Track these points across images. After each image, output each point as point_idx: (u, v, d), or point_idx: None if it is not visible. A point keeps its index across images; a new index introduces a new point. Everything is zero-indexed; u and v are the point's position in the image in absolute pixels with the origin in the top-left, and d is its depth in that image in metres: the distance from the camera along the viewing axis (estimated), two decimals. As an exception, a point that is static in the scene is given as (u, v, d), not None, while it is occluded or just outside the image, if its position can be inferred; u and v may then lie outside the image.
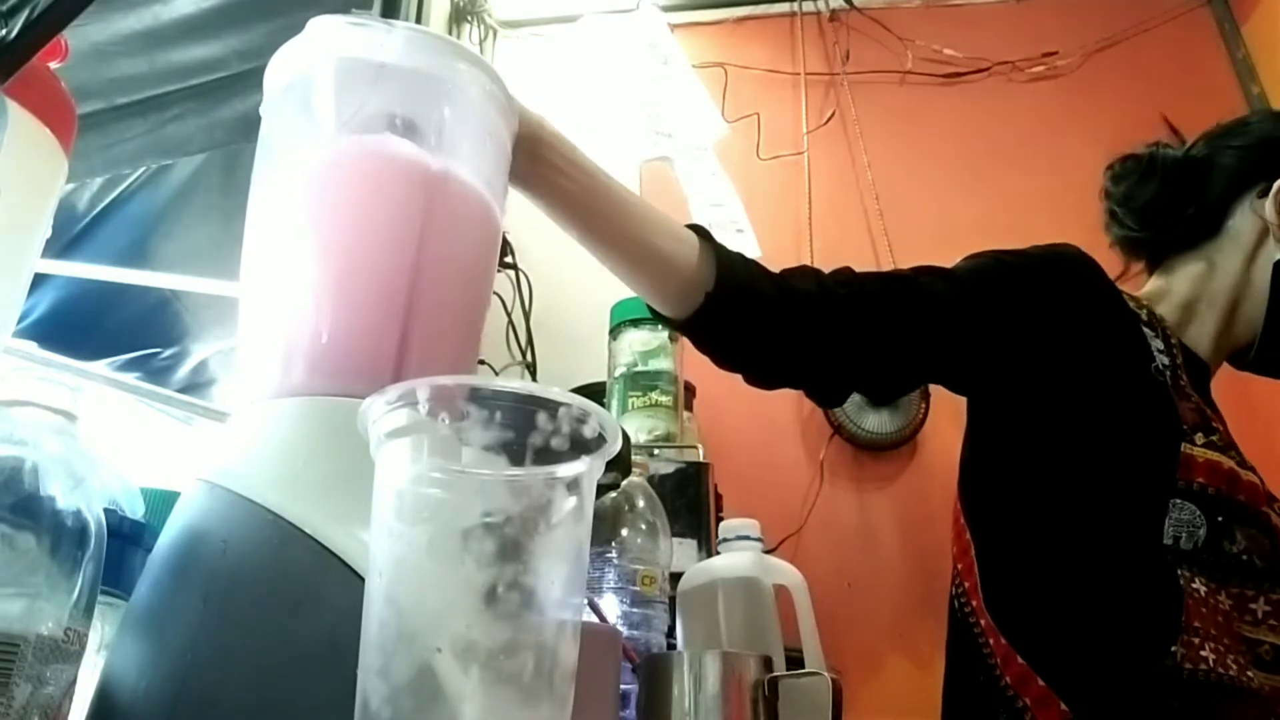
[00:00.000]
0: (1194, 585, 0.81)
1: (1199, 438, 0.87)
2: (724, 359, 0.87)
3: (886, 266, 2.12)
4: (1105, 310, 0.94)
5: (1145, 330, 0.94)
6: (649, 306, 0.86)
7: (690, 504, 1.28)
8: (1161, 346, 0.93)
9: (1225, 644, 0.79)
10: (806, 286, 0.84)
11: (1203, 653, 0.78)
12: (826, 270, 0.89)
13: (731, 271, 0.82)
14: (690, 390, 1.63)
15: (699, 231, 0.84)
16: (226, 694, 0.48)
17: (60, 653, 0.48)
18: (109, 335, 1.74)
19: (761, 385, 0.89)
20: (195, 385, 1.83)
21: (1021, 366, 0.92)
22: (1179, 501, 0.84)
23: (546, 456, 0.45)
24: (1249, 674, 0.78)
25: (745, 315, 0.82)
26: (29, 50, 0.59)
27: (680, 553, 1.16)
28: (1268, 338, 0.96)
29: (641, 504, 1.02)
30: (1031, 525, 0.91)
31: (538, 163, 0.77)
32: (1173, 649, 0.78)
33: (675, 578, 1.05)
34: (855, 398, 2.05)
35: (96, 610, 0.52)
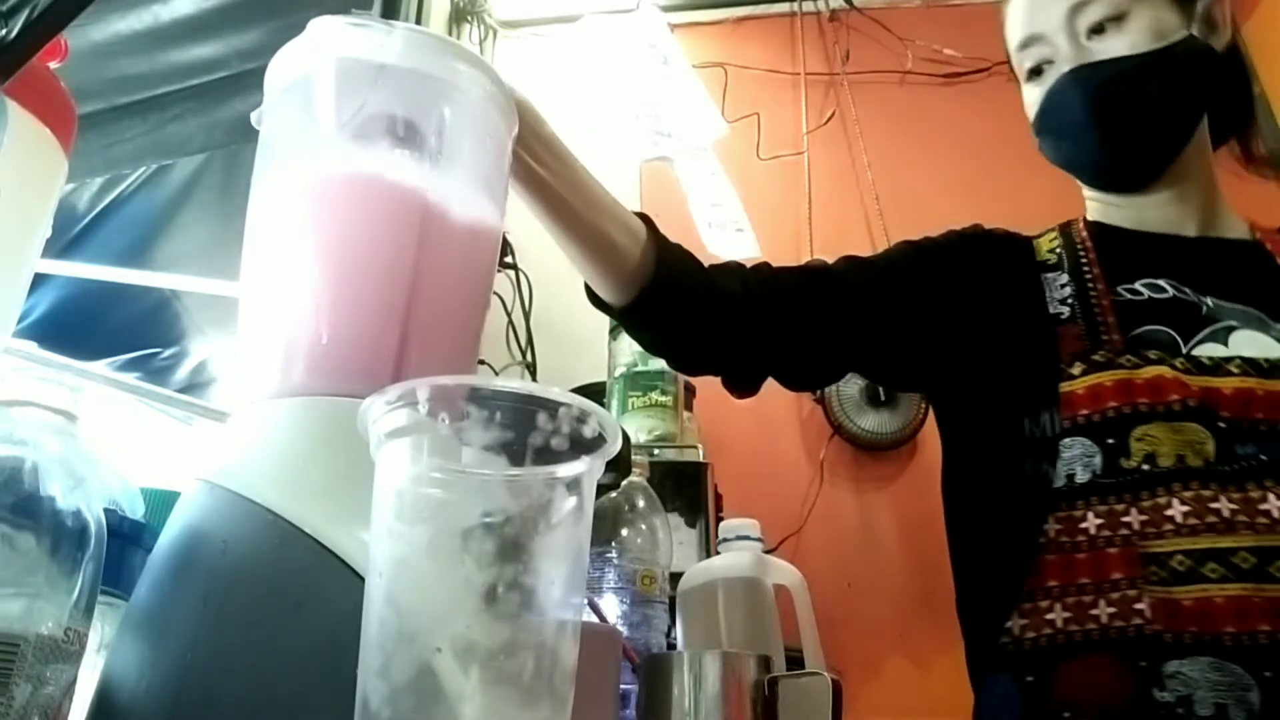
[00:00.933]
0: (1081, 526, 0.81)
1: (1077, 367, 0.86)
2: (651, 347, 0.98)
3: (886, 266, 2.12)
4: (1002, 275, 0.96)
5: (1046, 275, 0.95)
6: (587, 289, 0.91)
7: (690, 504, 1.28)
8: (1065, 280, 0.93)
9: (1101, 588, 0.80)
10: (731, 287, 0.90)
11: (1049, 616, 0.81)
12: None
13: (668, 268, 0.87)
14: (690, 390, 1.63)
15: (647, 223, 0.89)
16: (226, 694, 0.48)
17: (60, 653, 0.48)
18: (109, 335, 1.74)
19: (683, 371, 1.01)
20: (195, 385, 1.83)
21: (932, 350, 0.97)
22: (1068, 441, 0.84)
23: (546, 456, 0.45)
24: (1137, 608, 0.78)
25: (673, 311, 0.89)
26: (29, 50, 0.59)
27: (680, 553, 1.16)
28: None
29: (641, 504, 1.02)
30: (956, 511, 1.00)
31: (517, 144, 0.79)
32: (1007, 624, 0.83)
33: (675, 578, 1.06)
34: (855, 398, 2.05)
35: (96, 610, 0.52)
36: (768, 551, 1.09)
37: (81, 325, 1.68)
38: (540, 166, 0.80)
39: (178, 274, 1.73)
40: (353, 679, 0.43)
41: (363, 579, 0.45)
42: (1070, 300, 0.92)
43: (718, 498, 1.39)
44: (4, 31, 0.56)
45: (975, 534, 0.96)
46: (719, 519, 1.28)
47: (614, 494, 1.01)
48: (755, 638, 0.98)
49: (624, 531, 0.99)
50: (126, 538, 0.67)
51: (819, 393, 2.07)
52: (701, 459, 1.36)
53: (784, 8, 2.44)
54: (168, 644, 0.50)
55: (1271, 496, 0.78)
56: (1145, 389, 0.83)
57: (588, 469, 0.46)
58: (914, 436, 2.04)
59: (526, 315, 1.98)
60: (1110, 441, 0.83)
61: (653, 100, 2.19)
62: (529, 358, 1.96)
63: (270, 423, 0.57)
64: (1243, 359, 0.84)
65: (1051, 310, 0.92)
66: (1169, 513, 0.79)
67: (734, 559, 1.04)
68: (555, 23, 2.44)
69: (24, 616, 0.46)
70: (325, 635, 0.48)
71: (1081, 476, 0.83)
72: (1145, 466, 0.81)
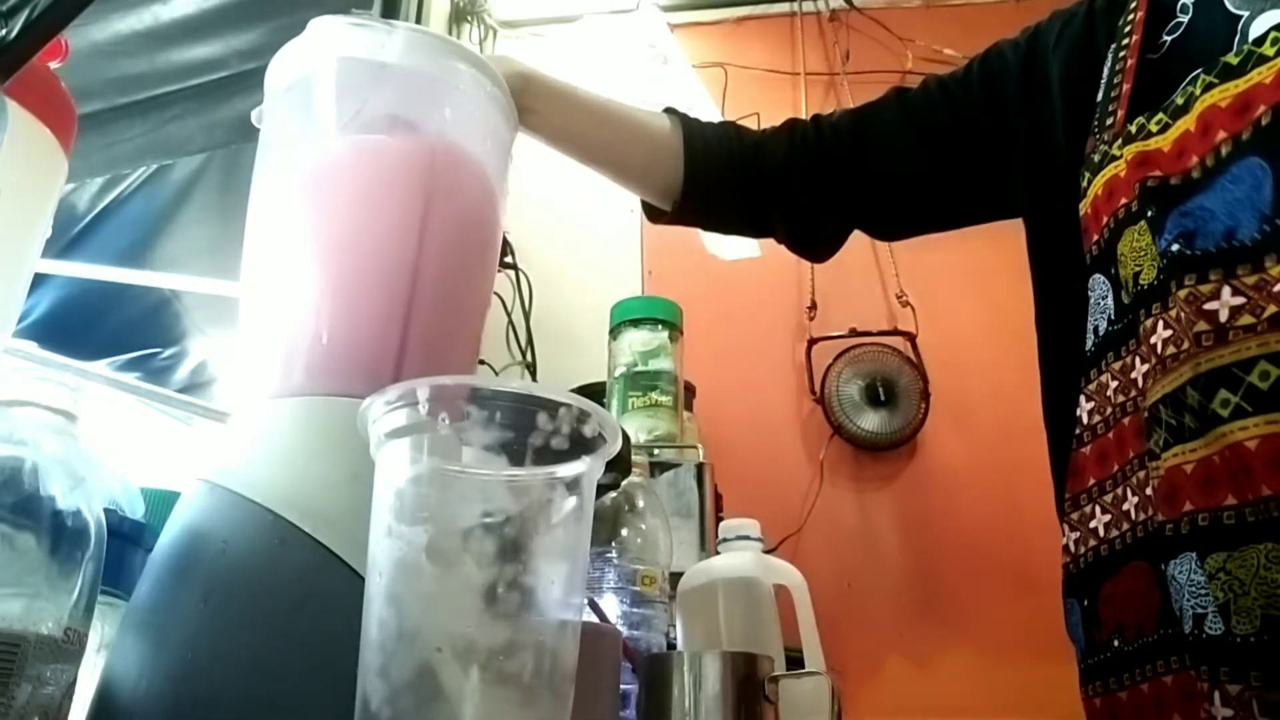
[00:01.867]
0: (1107, 396, 0.68)
1: (1085, 177, 0.71)
2: (721, 230, 1.00)
3: (886, 265, 2.13)
4: (1070, 71, 0.81)
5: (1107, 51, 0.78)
6: (643, 203, 0.93)
7: (690, 504, 1.28)
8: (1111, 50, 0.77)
9: (1126, 474, 0.67)
10: (773, 162, 0.90)
11: (1093, 524, 0.69)
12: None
13: (699, 167, 0.88)
14: (690, 390, 1.63)
15: (675, 116, 0.91)
16: (226, 694, 0.48)
17: (60, 653, 0.48)
18: (109, 335, 1.74)
19: (762, 237, 0.97)
20: (195, 385, 1.83)
21: (1009, 174, 0.85)
22: (1091, 281, 0.72)
23: (546, 456, 0.45)
24: (1148, 493, 0.64)
25: (718, 202, 0.90)
26: (29, 50, 0.59)
27: (680, 553, 1.16)
28: None
29: (641, 504, 1.01)
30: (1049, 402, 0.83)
31: (531, 107, 0.82)
32: (1064, 541, 0.72)
33: (675, 578, 1.05)
34: (855, 398, 2.05)
35: (96, 610, 0.52)
36: (768, 551, 1.09)
37: (81, 325, 1.68)
38: (542, 122, 0.82)
39: (178, 274, 1.73)
40: (353, 679, 0.43)
41: (363, 579, 0.45)
42: (1105, 78, 0.76)
43: (718, 498, 1.39)
44: (4, 31, 0.56)
45: (1054, 429, 0.80)
46: (719, 519, 1.28)
47: (614, 494, 1.01)
48: (755, 638, 0.97)
49: (624, 531, 0.99)
50: (126, 538, 0.67)
51: (819, 393, 2.07)
52: (701, 459, 1.35)
53: (784, 8, 2.44)
54: (168, 644, 0.50)
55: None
56: (1124, 184, 0.68)
57: (588, 469, 0.46)
58: (914, 436, 2.04)
59: (526, 315, 1.97)
60: (1112, 271, 0.69)
61: (653, 100, 2.19)
62: (529, 358, 1.96)
63: (270, 423, 0.57)
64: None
65: (1097, 98, 0.77)
66: (1153, 340, 0.64)
67: (734, 559, 1.04)
68: (555, 23, 2.44)
69: (24, 616, 0.46)
70: (325, 635, 0.48)
71: (1102, 327, 0.69)
72: (1137, 289, 0.66)
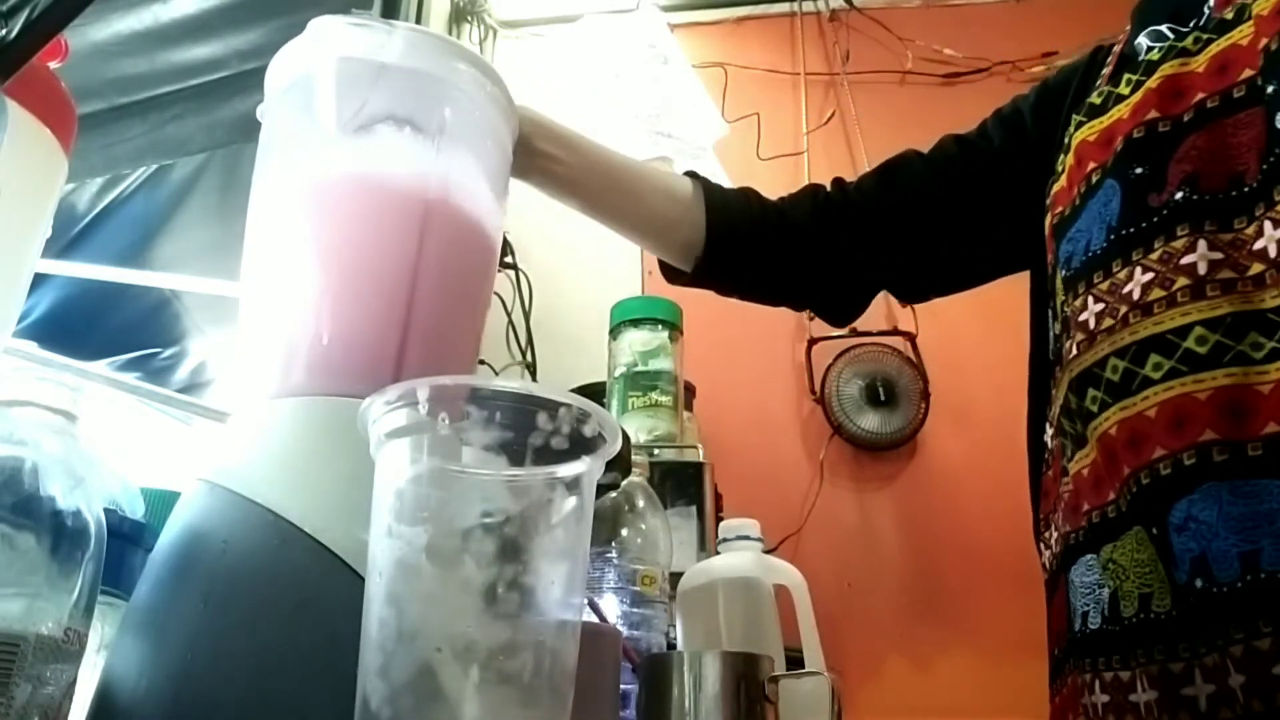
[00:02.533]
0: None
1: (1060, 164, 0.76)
2: (741, 296, 0.93)
3: (886, 266, 2.12)
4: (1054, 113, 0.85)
5: (1095, 78, 0.83)
6: (661, 264, 0.90)
7: (690, 504, 1.28)
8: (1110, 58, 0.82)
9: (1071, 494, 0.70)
10: (799, 219, 0.88)
11: (1053, 540, 0.73)
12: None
13: (722, 225, 0.86)
14: (690, 390, 1.63)
15: (697, 179, 0.88)
16: (226, 694, 0.48)
17: (60, 653, 0.48)
18: (109, 335, 1.74)
19: (784, 305, 0.94)
20: (195, 385, 1.83)
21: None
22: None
23: (546, 456, 0.45)
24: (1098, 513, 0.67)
25: (739, 262, 0.87)
26: (29, 50, 0.59)
27: (680, 553, 1.16)
28: None
29: (641, 504, 1.01)
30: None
31: (531, 153, 0.79)
32: (1042, 560, 0.76)
33: (675, 578, 1.05)
34: (855, 398, 2.05)
35: (96, 610, 0.52)
36: (768, 551, 1.09)
37: (81, 325, 1.68)
38: (559, 165, 0.80)
39: (178, 274, 1.73)
40: (353, 679, 0.43)
41: (363, 579, 0.45)
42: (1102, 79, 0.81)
43: (718, 498, 1.39)
44: (4, 31, 0.56)
45: (1031, 454, 0.85)
46: (719, 519, 1.28)
47: (614, 494, 1.01)
48: (755, 638, 0.97)
49: (624, 531, 0.99)
50: (126, 538, 0.67)
51: (819, 393, 2.07)
52: (701, 459, 1.35)
53: (784, 8, 2.44)
54: (168, 644, 0.50)
55: (1202, 244, 0.64)
56: (1108, 134, 0.73)
57: (588, 469, 0.46)
58: (914, 436, 2.04)
59: (526, 315, 1.97)
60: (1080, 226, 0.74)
61: (653, 100, 2.19)
62: (529, 358, 1.96)
63: (270, 423, 0.57)
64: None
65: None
66: (1083, 317, 0.69)
67: (734, 559, 1.04)
68: (555, 23, 2.44)
69: (24, 616, 0.46)
70: (325, 635, 0.48)
71: (1073, 265, 0.73)
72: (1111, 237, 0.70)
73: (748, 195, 0.90)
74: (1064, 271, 0.73)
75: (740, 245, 0.87)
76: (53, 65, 0.71)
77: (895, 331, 2.09)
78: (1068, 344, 0.70)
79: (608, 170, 0.83)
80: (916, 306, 2.08)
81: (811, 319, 2.12)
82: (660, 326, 1.44)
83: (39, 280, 1.52)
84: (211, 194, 1.66)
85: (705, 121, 2.20)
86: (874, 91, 2.29)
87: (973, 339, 2.01)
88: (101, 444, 0.59)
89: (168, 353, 1.80)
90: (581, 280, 2.06)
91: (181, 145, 1.46)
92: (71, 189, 1.55)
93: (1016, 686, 1.79)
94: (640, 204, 0.84)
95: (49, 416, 0.52)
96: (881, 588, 1.96)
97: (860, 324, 2.10)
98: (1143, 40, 0.77)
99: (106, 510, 0.55)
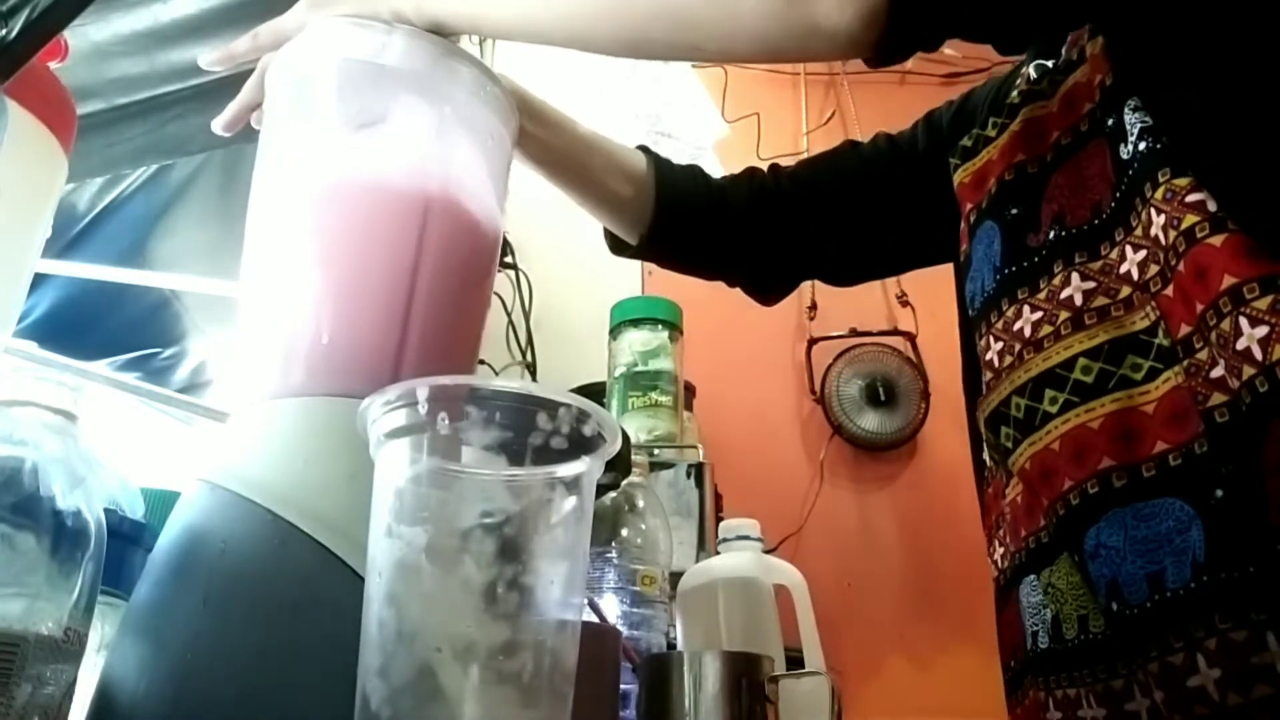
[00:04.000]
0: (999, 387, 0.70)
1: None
2: (680, 269, 0.97)
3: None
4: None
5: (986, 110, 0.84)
6: (607, 234, 0.94)
7: (690, 504, 1.28)
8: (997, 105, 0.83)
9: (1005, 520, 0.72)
10: (736, 200, 0.92)
11: (996, 557, 0.75)
12: None
13: (668, 202, 0.89)
14: (690, 390, 1.63)
15: (651, 155, 0.91)
16: (226, 694, 0.48)
17: (60, 653, 0.48)
18: (109, 335, 1.73)
19: (712, 280, 0.97)
20: (195, 385, 1.82)
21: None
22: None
23: (546, 456, 0.45)
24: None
25: (681, 238, 0.91)
26: (29, 50, 0.59)
27: (680, 553, 1.16)
28: None
29: (641, 504, 1.02)
30: None
31: (533, 121, 0.81)
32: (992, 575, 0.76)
33: (675, 578, 1.06)
34: (855, 398, 2.05)
35: (96, 610, 0.52)
36: (768, 551, 1.09)
37: (81, 325, 1.68)
38: (531, 141, 0.82)
39: (178, 274, 1.73)
40: (353, 679, 0.43)
41: (363, 579, 0.45)
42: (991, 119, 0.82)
43: (718, 498, 1.39)
44: (4, 31, 0.56)
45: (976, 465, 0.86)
46: (719, 519, 1.28)
47: (614, 494, 1.01)
48: (755, 638, 0.97)
49: (624, 531, 0.99)
50: (126, 538, 0.67)
51: (819, 393, 2.07)
52: (701, 459, 1.36)
53: (784, 8, 2.44)
54: (168, 644, 0.50)
55: (1075, 276, 0.66)
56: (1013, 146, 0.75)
57: (588, 469, 0.46)
58: (914, 436, 2.04)
59: (526, 315, 1.97)
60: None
61: (653, 100, 2.19)
62: (529, 358, 1.96)
63: (270, 423, 0.57)
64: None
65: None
66: (988, 356, 0.71)
67: (734, 559, 1.04)
68: (555, 23, 2.43)
69: (24, 616, 0.46)
70: (325, 635, 0.48)
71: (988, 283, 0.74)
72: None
73: (694, 174, 0.93)
74: (970, 311, 0.76)
75: (682, 223, 0.90)
76: (53, 65, 0.71)
77: (895, 331, 2.09)
78: (983, 380, 0.72)
79: (575, 146, 0.86)
80: (916, 307, 2.09)
81: (812, 319, 2.12)
82: (660, 326, 1.44)
83: (39, 280, 1.52)
84: (211, 194, 1.66)
85: (705, 121, 2.20)
86: (874, 91, 2.30)
87: (973, 339, 2.02)
88: (101, 444, 0.59)
89: (168, 353, 1.80)
90: (581, 280, 2.06)
91: (181, 145, 1.46)
92: (71, 189, 1.55)
93: (1016, 686, 1.80)
94: (596, 182, 0.87)
95: (49, 416, 0.52)
96: (881, 588, 1.96)
97: (860, 324, 2.12)
98: (1028, 70, 0.79)
99: (106, 510, 0.55)
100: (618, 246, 0.94)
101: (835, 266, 0.97)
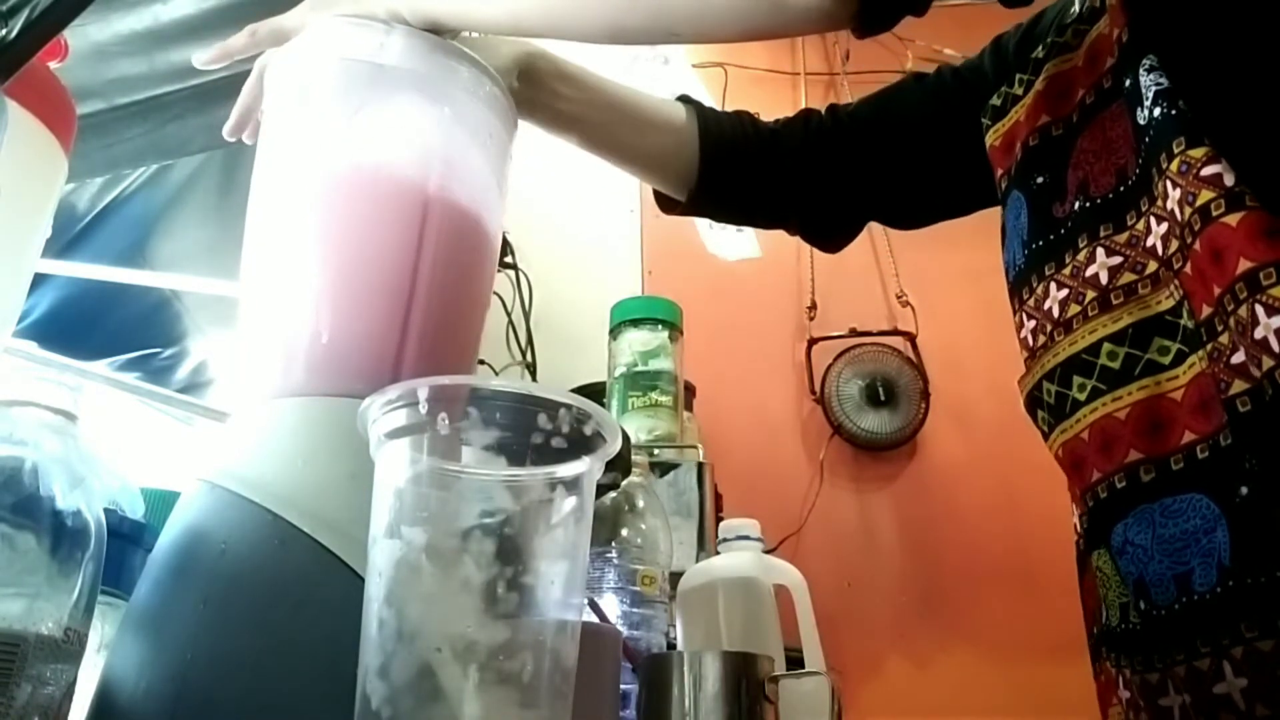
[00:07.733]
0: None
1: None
2: (733, 220, 0.93)
3: (886, 265, 2.13)
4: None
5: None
6: (656, 195, 0.90)
7: (690, 504, 1.28)
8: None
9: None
10: (791, 143, 0.87)
11: (1075, 520, 0.71)
12: None
13: (714, 154, 0.85)
14: (690, 390, 1.63)
15: (690, 104, 0.87)
16: (226, 694, 0.48)
17: (60, 653, 0.48)
18: (109, 335, 1.73)
19: (775, 228, 0.93)
20: (195, 385, 1.83)
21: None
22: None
23: (546, 456, 0.45)
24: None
25: (733, 188, 0.86)
26: (29, 50, 0.59)
27: (680, 553, 1.16)
28: None
29: (641, 504, 1.02)
30: None
31: (539, 88, 0.79)
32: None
33: (675, 578, 1.05)
34: (855, 398, 2.05)
35: (96, 610, 0.52)
36: (768, 551, 1.09)
37: (81, 325, 1.68)
38: (562, 102, 0.80)
39: (178, 274, 1.73)
40: (353, 679, 0.43)
41: (362, 579, 0.45)
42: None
43: (718, 498, 1.39)
44: (4, 31, 0.56)
45: None
46: (719, 519, 1.28)
47: (614, 494, 1.01)
48: (755, 638, 0.97)
49: (624, 531, 0.99)
50: (126, 538, 0.67)
51: (819, 393, 2.07)
52: (701, 459, 1.36)
53: (784, 8, 2.44)
54: (168, 644, 0.50)
55: (1100, 251, 0.63)
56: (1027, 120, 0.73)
57: (588, 469, 0.46)
58: (914, 436, 2.04)
59: (526, 315, 1.97)
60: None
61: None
62: (529, 358, 1.96)
63: (270, 423, 0.57)
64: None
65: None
66: (1023, 334, 0.70)
67: (734, 559, 1.04)
68: (555, 23, 2.44)
69: (24, 616, 0.46)
70: (325, 635, 0.48)
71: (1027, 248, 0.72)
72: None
73: (740, 119, 0.90)
74: (1008, 281, 0.73)
75: (732, 171, 0.86)
76: (53, 65, 0.71)
77: (895, 331, 2.09)
78: (1023, 359, 0.71)
79: (608, 105, 0.83)
80: (916, 307, 2.08)
81: (812, 319, 2.12)
82: (660, 326, 1.44)
83: (39, 280, 1.52)
84: (211, 194, 1.66)
85: (705, 121, 2.20)
86: (874, 90, 2.29)
87: (973, 339, 2.01)
88: (101, 444, 0.59)
89: (168, 353, 1.80)
90: (581, 280, 2.06)
91: (181, 145, 1.46)
92: (71, 189, 1.55)
93: (1016, 686, 1.80)
94: (639, 138, 0.84)
95: (49, 416, 0.52)
96: (881, 588, 1.96)
97: (860, 324, 2.12)
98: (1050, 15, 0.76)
99: (106, 510, 0.55)
100: (668, 205, 0.90)
101: (899, 208, 0.92)
